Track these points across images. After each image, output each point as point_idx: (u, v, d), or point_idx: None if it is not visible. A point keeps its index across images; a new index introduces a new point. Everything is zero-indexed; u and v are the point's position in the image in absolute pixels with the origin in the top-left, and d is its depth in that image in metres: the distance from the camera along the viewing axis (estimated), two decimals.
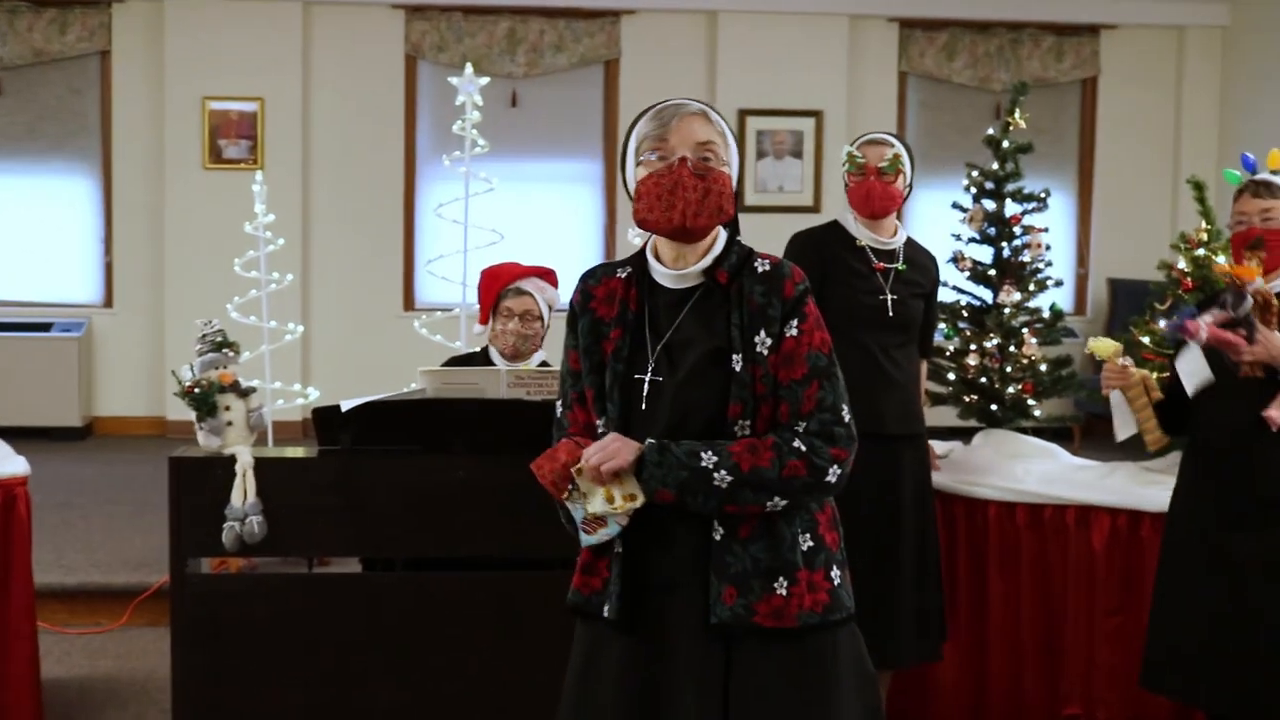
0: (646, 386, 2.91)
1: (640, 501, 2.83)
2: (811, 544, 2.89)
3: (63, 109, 11.30)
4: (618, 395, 2.93)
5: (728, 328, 2.89)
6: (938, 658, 5.13)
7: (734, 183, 2.98)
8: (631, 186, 2.99)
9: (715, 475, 2.78)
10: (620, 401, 2.93)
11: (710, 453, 2.79)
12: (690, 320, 2.92)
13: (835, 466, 2.83)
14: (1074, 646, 5.18)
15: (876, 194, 4.91)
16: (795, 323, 2.87)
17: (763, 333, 2.87)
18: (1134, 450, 4.51)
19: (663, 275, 2.97)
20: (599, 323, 2.98)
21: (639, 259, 3.03)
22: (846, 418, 2.87)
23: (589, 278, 3.05)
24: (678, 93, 10.20)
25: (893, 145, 4.96)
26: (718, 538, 2.85)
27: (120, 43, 11.21)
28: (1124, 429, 4.33)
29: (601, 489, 2.84)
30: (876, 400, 4.77)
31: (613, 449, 2.82)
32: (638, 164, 2.96)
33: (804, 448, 2.81)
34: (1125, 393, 4.27)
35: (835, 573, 2.92)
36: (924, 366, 5.20)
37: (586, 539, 2.90)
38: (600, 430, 2.97)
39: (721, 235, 2.98)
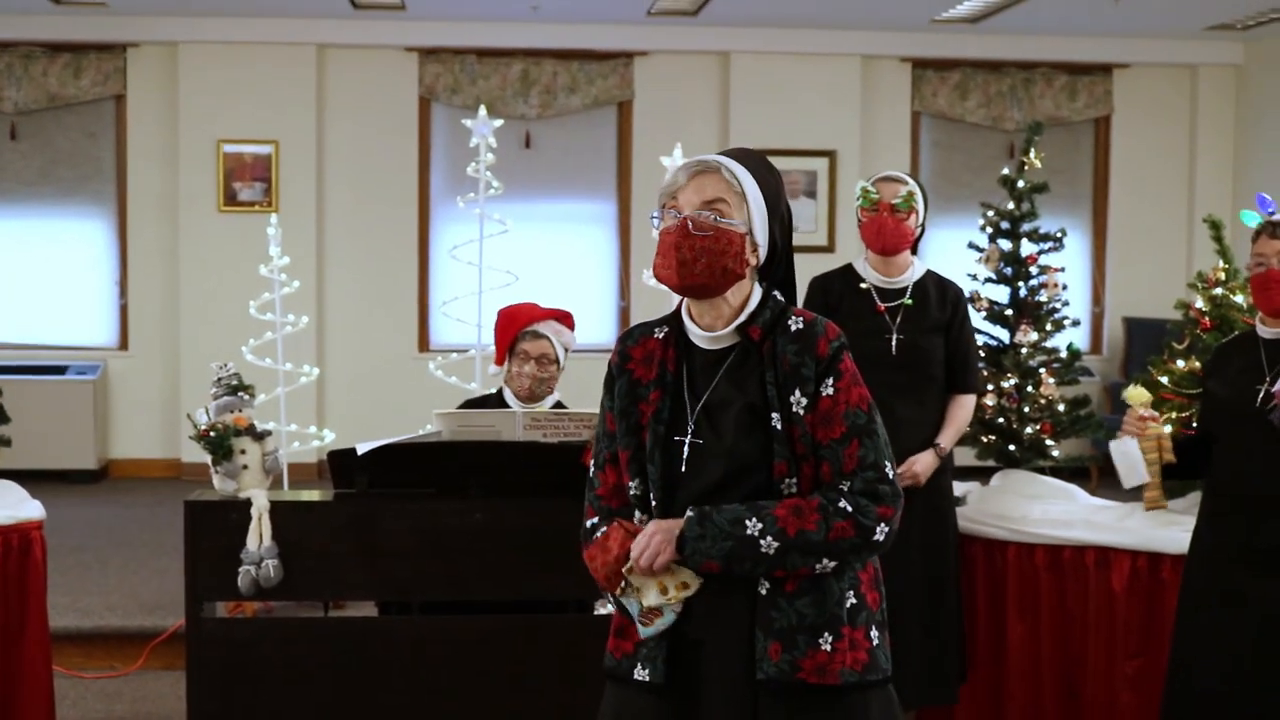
0: (687, 449, 2.89)
1: (694, 589, 2.82)
2: (854, 601, 2.86)
3: (77, 153, 11.34)
4: (659, 457, 2.90)
5: (762, 386, 2.86)
6: (952, 700, 5.10)
7: (754, 238, 2.92)
8: None
9: (762, 542, 2.76)
10: (661, 463, 2.90)
11: (754, 519, 2.77)
12: (725, 381, 2.89)
13: (883, 524, 2.81)
14: (1094, 689, 5.14)
15: (888, 230, 4.94)
16: (831, 381, 2.84)
17: (798, 392, 2.84)
18: None
19: (698, 336, 2.95)
20: (636, 384, 2.96)
21: (675, 319, 3.01)
22: (890, 474, 2.84)
23: (626, 339, 3.03)
24: (691, 134, 10.23)
25: (907, 183, 5.00)
26: (763, 592, 2.82)
27: (135, 87, 11.25)
28: (1132, 477, 4.29)
29: (654, 581, 2.82)
30: None
31: (656, 544, 2.80)
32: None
33: (850, 508, 2.79)
34: (1140, 444, 4.24)
35: (875, 633, 2.88)
36: (964, 401, 5.13)
37: (645, 630, 2.87)
38: (633, 491, 2.96)
39: (756, 291, 2.94)
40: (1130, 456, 4.25)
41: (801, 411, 2.83)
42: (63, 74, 11.14)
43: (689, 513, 2.81)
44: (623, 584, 2.85)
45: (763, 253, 2.95)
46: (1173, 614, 4.48)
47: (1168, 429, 4.37)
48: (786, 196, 3.03)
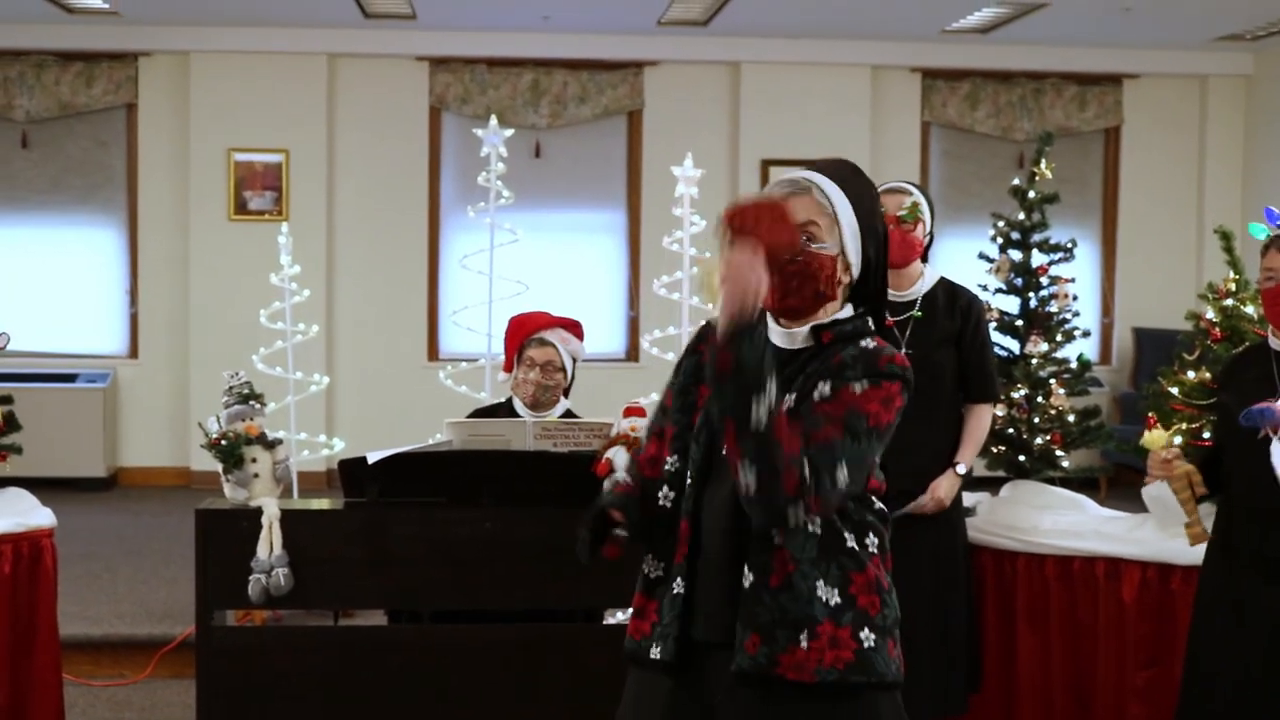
0: None
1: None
2: (839, 601, 2.82)
3: (89, 161, 11.37)
4: (704, 437, 2.92)
5: (803, 378, 2.86)
6: (960, 711, 5.08)
7: (847, 258, 2.92)
8: None
9: (757, 406, 2.63)
10: (705, 443, 2.92)
11: (769, 390, 2.63)
12: (786, 380, 2.87)
13: (801, 510, 2.71)
14: (1104, 700, 5.14)
15: (895, 243, 4.91)
16: (865, 383, 2.80)
17: (829, 383, 2.81)
18: None
19: (775, 334, 2.95)
20: (702, 367, 2.96)
21: (760, 315, 3.03)
22: (838, 479, 2.73)
23: (707, 325, 3.06)
24: (701, 144, 10.22)
25: (910, 193, 4.98)
26: (747, 585, 2.81)
27: (146, 95, 11.29)
28: (1169, 520, 4.26)
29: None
30: (888, 454, 4.75)
31: (752, 282, 2.64)
32: None
33: (808, 473, 2.68)
34: (1170, 484, 4.20)
35: (867, 634, 2.83)
36: (980, 412, 5.07)
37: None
38: (668, 467, 2.98)
39: (846, 310, 2.95)
40: (1163, 500, 4.21)
41: (819, 397, 2.80)
42: (74, 83, 11.17)
43: (761, 327, 2.68)
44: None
45: (856, 270, 2.95)
46: (1183, 625, 4.48)
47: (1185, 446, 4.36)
48: (881, 211, 3.02)
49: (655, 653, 2.92)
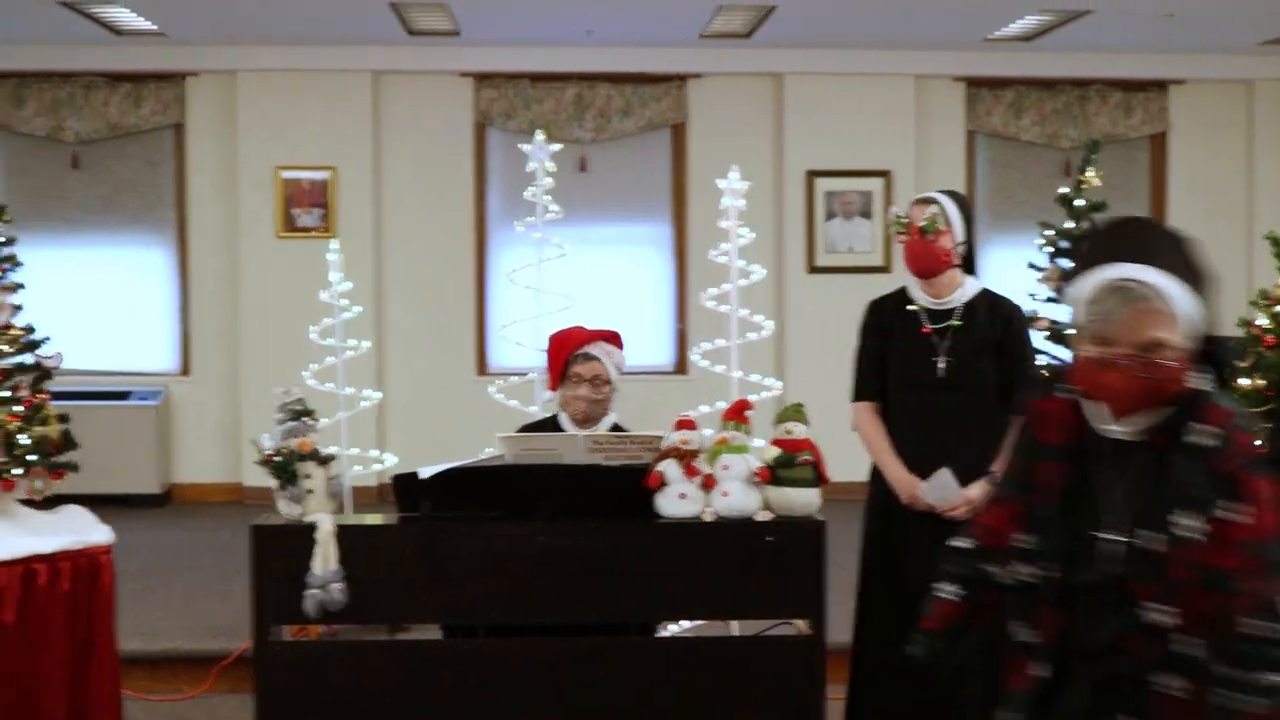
0: None
1: None
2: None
3: (139, 181, 11.47)
4: (1115, 566, 2.95)
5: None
6: None
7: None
8: None
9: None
10: (1115, 573, 2.94)
11: None
12: None
13: None
14: None
15: (919, 253, 4.91)
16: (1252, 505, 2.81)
17: (1234, 509, 2.81)
18: None
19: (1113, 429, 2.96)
20: (1033, 442, 3.08)
21: None
22: None
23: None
24: (745, 156, 10.19)
25: (935, 202, 4.95)
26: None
27: (194, 115, 11.39)
28: None
29: None
30: (923, 464, 4.78)
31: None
32: None
33: None
34: None
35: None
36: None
37: None
38: (1026, 545, 3.04)
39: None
40: None
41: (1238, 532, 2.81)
42: (123, 104, 11.28)
43: None
44: None
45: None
46: None
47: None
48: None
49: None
